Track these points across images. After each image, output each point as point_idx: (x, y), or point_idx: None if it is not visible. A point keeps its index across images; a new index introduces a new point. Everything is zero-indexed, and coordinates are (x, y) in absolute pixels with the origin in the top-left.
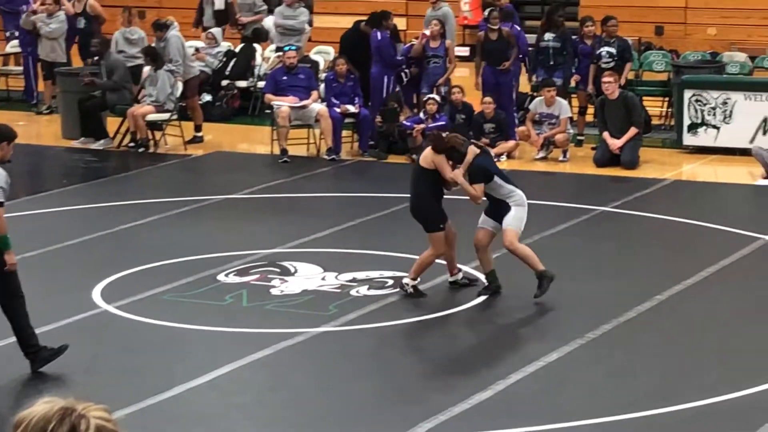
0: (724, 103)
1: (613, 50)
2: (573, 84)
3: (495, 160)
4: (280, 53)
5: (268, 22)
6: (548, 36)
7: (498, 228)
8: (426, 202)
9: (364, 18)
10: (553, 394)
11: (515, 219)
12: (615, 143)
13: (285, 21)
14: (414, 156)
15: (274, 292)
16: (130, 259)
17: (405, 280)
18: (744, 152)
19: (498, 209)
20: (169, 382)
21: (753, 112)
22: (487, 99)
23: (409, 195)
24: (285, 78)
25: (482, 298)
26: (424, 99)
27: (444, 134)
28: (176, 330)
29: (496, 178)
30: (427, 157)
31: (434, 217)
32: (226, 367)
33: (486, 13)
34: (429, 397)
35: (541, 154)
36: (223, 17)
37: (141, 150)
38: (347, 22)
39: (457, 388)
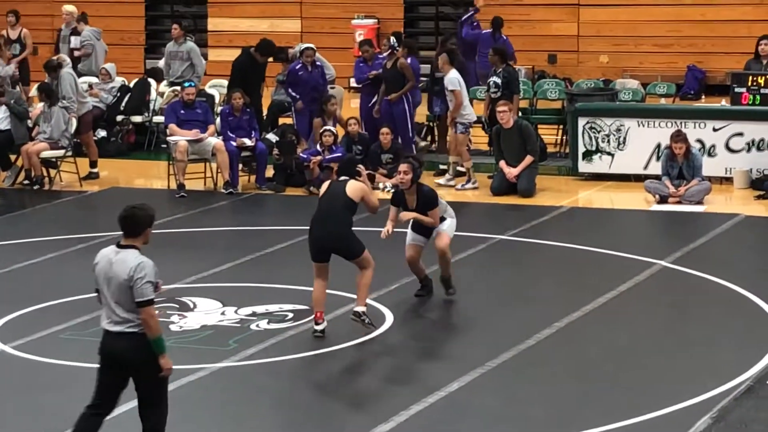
0: (618, 130)
1: (498, 80)
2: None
3: (394, 190)
4: (176, 88)
5: (161, 62)
6: None
7: (425, 242)
8: (350, 230)
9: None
10: (454, 424)
11: (450, 228)
12: (512, 172)
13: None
14: (312, 188)
15: (173, 328)
16: (27, 298)
17: (359, 309)
18: (638, 178)
19: (426, 226)
20: (68, 422)
21: (646, 139)
22: (384, 129)
23: (311, 226)
24: (183, 112)
25: (380, 330)
26: (321, 131)
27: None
28: (75, 369)
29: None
30: (357, 190)
31: (357, 241)
32: (126, 405)
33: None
34: (330, 430)
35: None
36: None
37: (36, 187)
38: None
39: (358, 420)
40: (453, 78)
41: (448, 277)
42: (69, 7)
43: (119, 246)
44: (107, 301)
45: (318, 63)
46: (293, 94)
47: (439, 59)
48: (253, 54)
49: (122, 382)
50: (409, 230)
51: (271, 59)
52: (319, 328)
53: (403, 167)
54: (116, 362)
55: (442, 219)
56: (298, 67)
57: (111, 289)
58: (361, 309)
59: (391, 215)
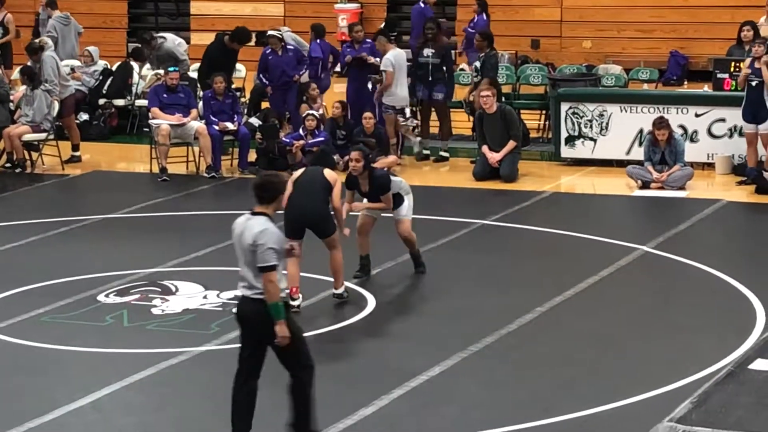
0: (601, 116)
1: (478, 65)
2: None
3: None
4: (159, 71)
5: None
6: (427, 51)
7: (378, 215)
8: (327, 209)
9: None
10: (436, 408)
11: (409, 210)
12: (494, 157)
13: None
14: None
15: (155, 311)
16: (8, 281)
17: (339, 291)
18: (620, 164)
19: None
20: (50, 404)
21: (629, 124)
22: (368, 114)
23: (288, 203)
24: (165, 96)
25: (362, 315)
26: (303, 115)
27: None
28: (56, 352)
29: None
30: (333, 176)
31: (332, 221)
32: (108, 389)
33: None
34: None
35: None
36: None
37: (18, 170)
38: None
39: (340, 404)
40: (386, 59)
41: (417, 253)
42: None
43: (252, 213)
44: (241, 266)
45: (290, 46)
46: (263, 80)
47: (376, 42)
48: (225, 41)
49: (257, 346)
50: (365, 201)
51: (252, 43)
52: (294, 303)
53: (354, 155)
54: (246, 325)
55: (399, 198)
56: (268, 51)
57: (241, 254)
58: (341, 291)
59: (347, 198)
